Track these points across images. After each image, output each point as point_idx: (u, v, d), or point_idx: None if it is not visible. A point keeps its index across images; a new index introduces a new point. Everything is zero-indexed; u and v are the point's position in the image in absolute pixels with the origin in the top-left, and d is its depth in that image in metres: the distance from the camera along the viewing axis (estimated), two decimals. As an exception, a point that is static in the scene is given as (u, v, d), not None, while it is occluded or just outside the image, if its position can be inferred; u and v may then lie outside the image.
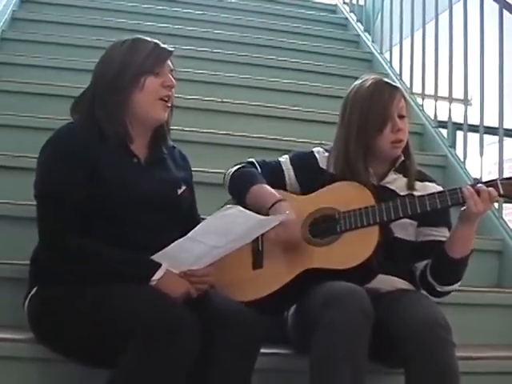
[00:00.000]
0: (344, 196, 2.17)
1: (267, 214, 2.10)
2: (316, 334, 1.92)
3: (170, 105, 2.04)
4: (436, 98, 3.66)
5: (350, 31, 4.98)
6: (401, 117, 2.21)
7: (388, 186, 2.25)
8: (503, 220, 3.05)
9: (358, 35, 4.82)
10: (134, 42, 2.04)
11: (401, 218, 2.11)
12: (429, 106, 3.78)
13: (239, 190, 2.22)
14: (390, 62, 4.29)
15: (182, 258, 1.91)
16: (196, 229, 1.88)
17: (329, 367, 1.87)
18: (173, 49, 2.07)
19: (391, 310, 2.02)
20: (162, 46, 2.05)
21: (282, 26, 4.76)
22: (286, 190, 2.27)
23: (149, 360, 1.71)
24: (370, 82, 2.23)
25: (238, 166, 2.30)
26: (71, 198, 1.90)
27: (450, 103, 3.52)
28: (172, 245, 1.89)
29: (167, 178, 2.06)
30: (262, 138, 3.22)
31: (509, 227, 3.01)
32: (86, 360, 1.90)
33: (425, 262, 2.19)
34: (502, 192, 2.04)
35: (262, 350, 2.08)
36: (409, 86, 3.96)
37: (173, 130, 2.16)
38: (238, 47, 4.26)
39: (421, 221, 2.22)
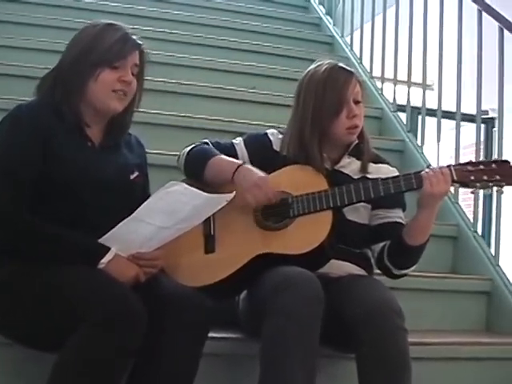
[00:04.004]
0: (297, 180, 2.15)
1: (230, 183, 2.08)
2: (268, 319, 1.90)
3: (124, 97, 1.98)
4: (395, 82, 3.65)
5: (311, 14, 4.94)
6: (356, 102, 2.19)
7: (342, 170, 2.23)
8: (458, 205, 3.05)
9: (320, 18, 4.79)
10: (103, 27, 1.98)
11: (354, 202, 2.10)
12: (390, 91, 3.76)
13: (196, 167, 2.19)
14: (351, 45, 4.28)
15: (129, 239, 1.88)
16: (140, 208, 1.85)
17: (281, 352, 1.85)
18: (141, 42, 2.01)
19: (344, 294, 2.01)
20: (130, 38, 1.98)
21: (246, 8, 4.71)
22: None
23: (94, 344, 1.68)
24: (324, 66, 2.20)
25: (193, 146, 2.26)
26: (25, 175, 1.86)
27: (409, 88, 3.52)
28: (118, 226, 1.86)
29: (120, 163, 2.03)
30: (217, 120, 3.18)
31: (464, 213, 3.02)
32: (34, 343, 1.86)
33: (381, 245, 2.18)
34: (455, 178, 2.04)
35: (212, 335, 2.06)
36: (369, 70, 3.95)
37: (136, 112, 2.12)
38: (198, 28, 4.21)
39: (374, 203, 2.20)
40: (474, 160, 2.09)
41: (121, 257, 1.87)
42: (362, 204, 2.18)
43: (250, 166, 2.13)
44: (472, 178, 2.04)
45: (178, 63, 3.71)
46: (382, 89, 3.82)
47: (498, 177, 2.03)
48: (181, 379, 1.87)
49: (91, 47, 1.95)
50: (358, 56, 4.13)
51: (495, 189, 2.05)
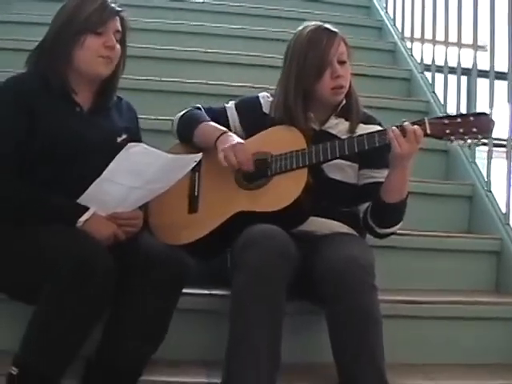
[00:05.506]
0: (278, 140, 2.18)
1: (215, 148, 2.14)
2: (235, 275, 1.95)
3: (110, 62, 2.07)
4: (423, 41, 3.58)
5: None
6: (341, 62, 2.19)
7: (329, 130, 2.24)
8: (475, 164, 2.98)
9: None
10: None
11: (330, 160, 2.11)
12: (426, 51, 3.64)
13: (186, 132, 2.26)
14: (386, 8, 4.22)
15: (104, 200, 1.96)
16: (107, 169, 1.92)
17: (244, 308, 1.91)
18: (120, 9, 2.09)
19: (317, 252, 2.04)
20: (110, 4, 2.08)
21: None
22: None
23: (64, 293, 1.78)
24: (309, 28, 2.22)
25: (185, 111, 2.33)
26: (11, 141, 1.96)
27: (434, 46, 3.45)
28: (90, 187, 1.94)
29: (107, 127, 2.11)
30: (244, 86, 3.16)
31: (480, 172, 2.95)
32: (18, 296, 1.98)
33: (366, 205, 2.18)
34: (428, 131, 2.02)
35: (199, 291, 2.18)
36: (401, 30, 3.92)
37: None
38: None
39: (361, 163, 2.21)
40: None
41: (99, 216, 1.95)
42: (348, 163, 2.20)
43: (231, 134, 2.18)
44: (447, 131, 2.02)
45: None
46: (411, 49, 3.76)
47: (474, 129, 2.01)
48: (152, 328, 1.95)
49: (73, 17, 2.04)
50: (392, 18, 4.07)
51: (470, 141, 2.02)
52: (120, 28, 2.10)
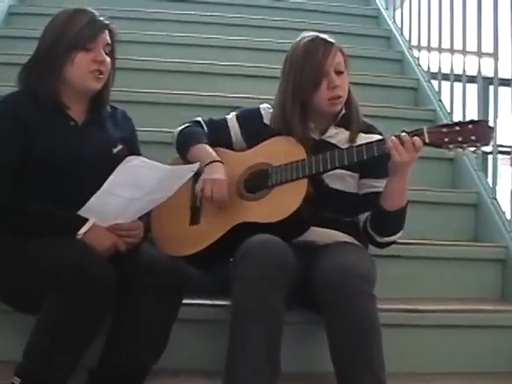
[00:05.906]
0: (278, 151, 2.20)
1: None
2: (233, 286, 1.97)
3: (102, 76, 2.11)
4: (429, 49, 3.59)
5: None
6: (338, 72, 2.20)
7: (329, 140, 2.25)
8: (480, 172, 2.98)
9: (370, -6, 4.74)
10: (73, 13, 2.11)
11: (329, 170, 2.12)
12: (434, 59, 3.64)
13: (182, 148, 2.29)
14: (394, 18, 4.23)
15: (104, 211, 1.98)
16: (107, 182, 1.95)
17: (241, 318, 1.92)
18: (108, 22, 2.13)
19: (316, 262, 2.05)
20: (97, 19, 2.11)
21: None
22: (232, 146, 2.32)
23: (62, 308, 1.81)
24: (305, 39, 2.23)
25: (185, 125, 2.35)
26: (7, 158, 2.00)
27: (440, 54, 3.45)
28: (91, 199, 1.96)
29: (103, 138, 2.14)
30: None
31: (486, 180, 2.94)
32: (29, 309, 1.98)
33: (366, 214, 2.19)
34: (427, 140, 2.02)
35: (201, 301, 2.19)
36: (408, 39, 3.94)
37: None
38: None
39: (362, 173, 2.22)
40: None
41: (99, 227, 1.98)
42: (348, 173, 2.20)
43: (218, 165, 2.18)
44: (446, 139, 2.02)
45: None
46: (418, 58, 3.77)
47: (473, 137, 2.00)
48: (153, 333, 1.96)
49: (62, 33, 2.07)
50: (399, 27, 4.08)
51: (471, 149, 2.02)
52: (109, 41, 2.13)
